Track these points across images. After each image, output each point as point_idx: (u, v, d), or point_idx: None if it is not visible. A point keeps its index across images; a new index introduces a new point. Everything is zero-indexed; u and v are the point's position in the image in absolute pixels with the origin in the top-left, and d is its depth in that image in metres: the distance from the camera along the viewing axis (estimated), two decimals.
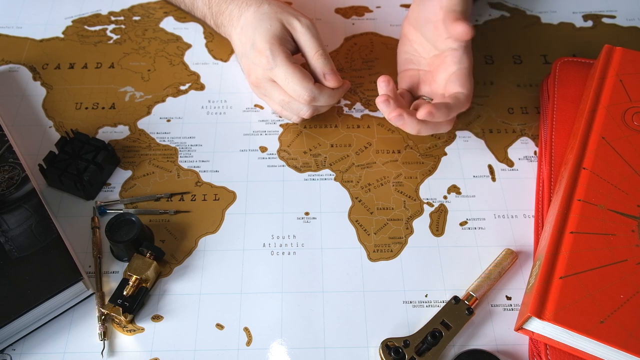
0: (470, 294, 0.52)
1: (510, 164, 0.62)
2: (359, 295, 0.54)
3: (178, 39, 0.72)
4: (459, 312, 0.51)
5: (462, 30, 0.56)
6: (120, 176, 0.61)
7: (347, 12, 0.76)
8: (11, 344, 0.51)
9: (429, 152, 0.63)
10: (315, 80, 0.60)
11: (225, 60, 0.71)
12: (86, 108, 0.66)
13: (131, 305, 0.51)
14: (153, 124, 0.65)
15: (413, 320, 0.52)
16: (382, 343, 0.50)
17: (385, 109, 0.56)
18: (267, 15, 0.61)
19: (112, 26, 0.73)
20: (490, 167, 0.62)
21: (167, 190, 0.60)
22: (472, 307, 0.52)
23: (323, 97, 0.59)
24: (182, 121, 0.65)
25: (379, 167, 0.62)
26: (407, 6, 0.75)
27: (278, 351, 0.51)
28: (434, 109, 0.55)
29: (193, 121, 0.65)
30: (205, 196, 0.60)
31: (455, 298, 0.52)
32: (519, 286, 0.54)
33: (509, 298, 0.54)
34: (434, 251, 0.56)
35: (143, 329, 0.52)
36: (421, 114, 0.55)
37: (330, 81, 0.59)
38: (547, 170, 0.58)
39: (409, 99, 0.62)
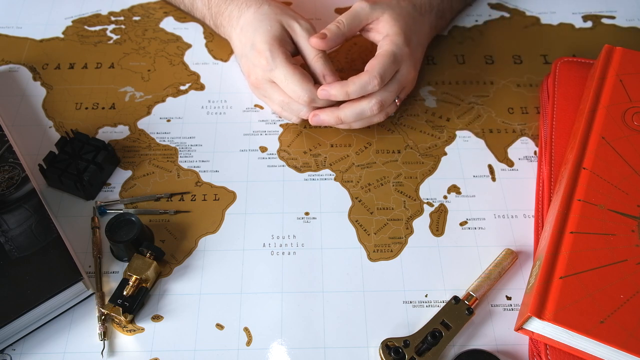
0: (470, 294, 0.52)
1: (510, 164, 0.62)
2: (359, 295, 0.54)
3: (178, 39, 0.72)
4: (459, 312, 0.51)
5: (312, 42, 0.59)
6: (120, 176, 0.61)
7: None
8: (11, 344, 0.51)
9: (429, 152, 0.63)
10: (315, 81, 0.60)
11: (225, 60, 0.71)
12: (86, 108, 0.66)
13: (131, 305, 0.51)
14: (153, 124, 0.65)
15: (413, 320, 0.52)
16: (382, 343, 0.50)
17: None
18: (266, 16, 0.61)
19: (112, 26, 0.74)
20: (490, 167, 0.62)
21: (167, 190, 0.60)
22: (472, 307, 0.52)
23: (322, 99, 0.59)
24: (182, 121, 0.65)
25: (379, 167, 0.62)
26: None
27: (278, 351, 0.51)
28: (326, 86, 0.58)
29: (193, 121, 0.65)
30: (205, 196, 0.60)
31: (455, 298, 0.52)
32: (519, 286, 0.54)
33: (509, 298, 0.54)
34: (434, 251, 0.56)
35: (143, 329, 0.52)
36: (319, 94, 0.59)
37: (329, 82, 0.59)
38: (547, 170, 0.58)
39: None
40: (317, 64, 0.60)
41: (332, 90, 0.58)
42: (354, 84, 0.57)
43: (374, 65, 0.58)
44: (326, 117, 0.60)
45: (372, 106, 0.59)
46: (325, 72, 0.59)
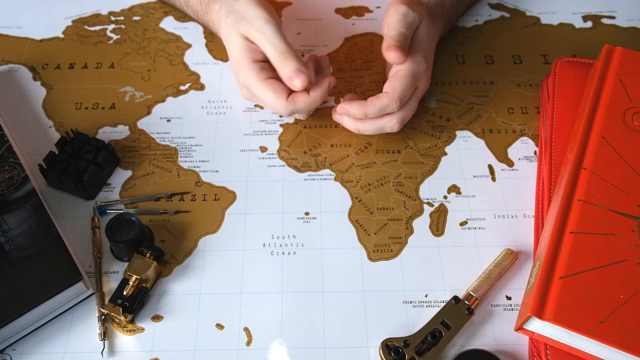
0: (470, 294, 0.52)
1: (510, 164, 0.62)
2: (359, 295, 0.54)
3: (178, 38, 0.72)
4: (459, 312, 0.51)
5: (393, 57, 0.57)
6: (120, 176, 0.61)
7: (347, 12, 0.76)
8: (11, 344, 0.51)
9: (429, 152, 0.63)
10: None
11: (225, 60, 0.71)
12: (86, 108, 0.66)
13: (131, 305, 0.51)
14: (153, 124, 0.65)
15: (413, 320, 0.52)
16: (382, 343, 0.50)
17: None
18: (230, 30, 0.60)
19: (112, 26, 0.74)
20: (490, 167, 0.62)
21: (167, 190, 0.60)
22: (472, 307, 0.52)
23: (301, 106, 0.58)
24: (182, 121, 0.65)
25: (379, 167, 0.62)
26: None
27: (278, 351, 0.51)
28: (346, 104, 0.59)
29: (193, 121, 0.65)
30: (205, 196, 0.60)
31: (455, 298, 0.52)
32: (519, 286, 0.54)
33: (509, 298, 0.54)
34: (434, 251, 0.56)
35: (143, 329, 0.52)
36: (338, 110, 0.60)
37: (296, 85, 0.56)
38: (547, 170, 0.58)
39: None
40: (277, 67, 0.56)
41: (351, 109, 0.59)
42: (374, 106, 0.58)
43: (394, 88, 0.58)
44: (347, 123, 0.61)
45: (392, 125, 0.59)
46: (288, 73, 0.56)
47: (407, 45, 0.59)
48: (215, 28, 0.65)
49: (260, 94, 0.58)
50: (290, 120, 0.65)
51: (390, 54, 0.57)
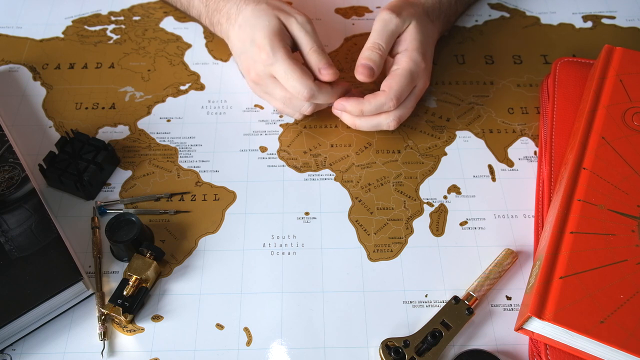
0: (470, 294, 0.52)
1: (510, 164, 0.62)
2: (359, 295, 0.54)
3: (178, 38, 0.72)
4: (459, 312, 0.51)
5: (360, 76, 0.59)
6: (120, 176, 0.61)
7: (347, 12, 0.76)
8: (11, 344, 0.51)
9: (429, 152, 0.63)
10: (315, 78, 0.60)
11: (225, 60, 0.71)
12: (86, 108, 0.66)
13: (131, 305, 0.51)
14: (153, 124, 0.65)
15: (413, 320, 0.52)
16: (382, 343, 0.50)
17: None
18: (265, 12, 0.60)
19: (112, 26, 0.74)
20: (490, 167, 0.62)
21: (167, 190, 0.60)
22: (472, 307, 0.52)
23: (322, 95, 0.59)
24: (182, 121, 0.65)
25: (379, 167, 0.62)
26: None
27: (278, 351, 0.51)
28: (343, 100, 0.60)
29: (193, 121, 0.65)
30: (205, 196, 0.60)
31: (455, 298, 0.52)
32: (519, 286, 0.54)
33: (509, 298, 0.54)
34: (434, 251, 0.56)
35: (143, 329, 0.52)
36: (335, 105, 0.61)
37: (325, 75, 0.59)
38: (547, 170, 0.58)
39: None
40: (312, 57, 0.59)
41: (348, 106, 0.59)
42: (370, 104, 0.58)
43: (391, 86, 0.58)
44: (346, 118, 0.61)
45: (389, 122, 0.60)
46: (321, 65, 0.59)
47: (384, 55, 0.60)
48: (229, 14, 0.64)
49: (286, 72, 0.58)
50: (291, 120, 0.65)
51: (359, 77, 0.59)
